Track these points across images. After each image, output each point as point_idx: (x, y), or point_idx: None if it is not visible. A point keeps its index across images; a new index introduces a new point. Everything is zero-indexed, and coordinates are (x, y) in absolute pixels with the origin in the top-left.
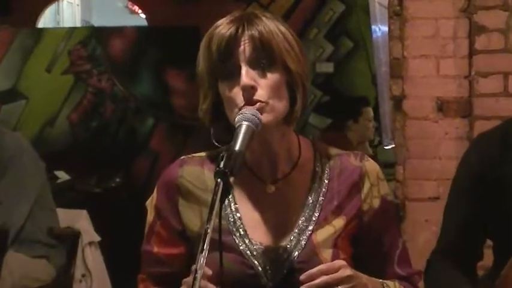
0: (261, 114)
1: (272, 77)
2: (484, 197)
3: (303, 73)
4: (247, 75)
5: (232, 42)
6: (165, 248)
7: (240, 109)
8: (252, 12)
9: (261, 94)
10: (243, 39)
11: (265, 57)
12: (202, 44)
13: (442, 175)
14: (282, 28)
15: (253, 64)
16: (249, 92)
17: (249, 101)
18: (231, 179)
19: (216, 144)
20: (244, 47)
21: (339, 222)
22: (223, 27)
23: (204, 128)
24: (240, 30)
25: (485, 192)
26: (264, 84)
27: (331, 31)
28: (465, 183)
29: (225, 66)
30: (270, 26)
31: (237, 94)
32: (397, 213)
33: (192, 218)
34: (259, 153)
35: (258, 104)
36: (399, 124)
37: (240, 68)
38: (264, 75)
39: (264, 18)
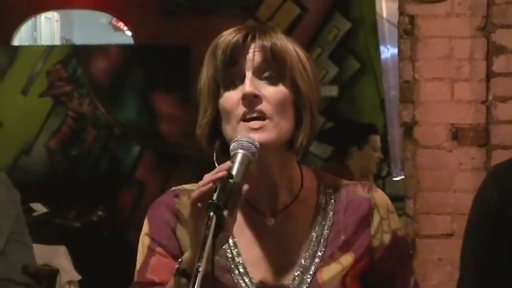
0: (262, 131)
1: (279, 91)
2: (506, 238)
3: (313, 97)
4: (251, 83)
5: (239, 49)
6: (166, 275)
7: (238, 121)
8: (267, 24)
9: (265, 107)
10: (252, 46)
11: (274, 69)
12: (207, 52)
13: (457, 210)
14: (296, 47)
15: (260, 74)
16: (252, 101)
17: (251, 111)
18: (225, 213)
19: (217, 166)
20: (254, 55)
21: (347, 260)
22: (230, 33)
23: (194, 157)
24: (249, 38)
25: (506, 232)
26: (270, 97)
27: (335, 51)
28: (482, 222)
29: (229, 74)
30: (286, 42)
31: (237, 105)
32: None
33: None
34: (257, 182)
35: (260, 123)
36: (410, 153)
37: (244, 77)
38: (270, 87)
39: (280, 34)
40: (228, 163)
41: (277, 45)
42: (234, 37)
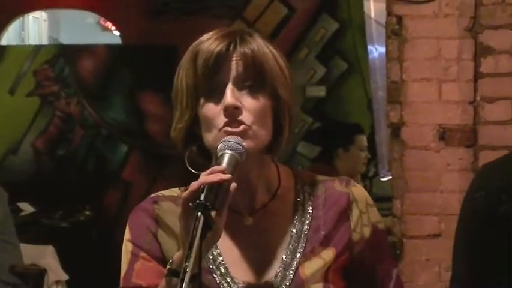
0: (243, 139)
1: (259, 101)
2: (495, 237)
3: (291, 101)
4: (232, 94)
5: (222, 58)
6: (152, 279)
7: (219, 130)
8: (244, 29)
9: (246, 117)
10: (234, 55)
11: (255, 78)
12: (186, 58)
13: (444, 210)
14: (274, 50)
15: (240, 84)
16: (233, 112)
17: (232, 122)
18: (213, 213)
19: (191, 169)
20: (236, 65)
21: (328, 254)
22: (212, 41)
23: (181, 158)
24: (231, 47)
25: (495, 232)
26: (250, 107)
27: (323, 51)
28: (472, 222)
29: (210, 83)
30: (263, 46)
31: (219, 114)
32: (394, 253)
33: (173, 250)
34: (236, 183)
35: (242, 126)
36: (397, 154)
37: (225, 86)
38: (250, 98)
39: (257, 38)
40: (222, 166)
41: (257, 53)
42: (216, 46)
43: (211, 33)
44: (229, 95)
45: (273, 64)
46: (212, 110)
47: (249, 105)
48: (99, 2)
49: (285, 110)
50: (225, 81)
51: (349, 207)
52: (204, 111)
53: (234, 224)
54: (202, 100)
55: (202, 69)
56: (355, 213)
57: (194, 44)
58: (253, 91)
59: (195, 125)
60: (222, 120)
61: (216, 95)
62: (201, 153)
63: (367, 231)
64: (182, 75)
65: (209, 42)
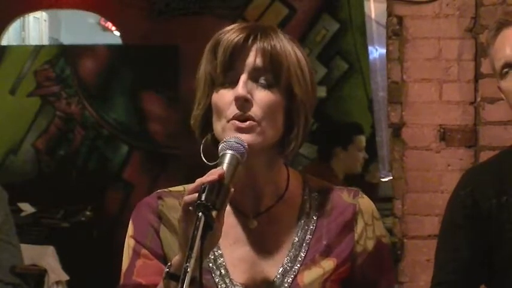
0: (249, 133)
1: (272, 96)
2: (479, 233)
3: (308, 102)
4: (244, 85)
5: (239, 49)
6: (152, 276)
7: (228, 121)
8: (270, 25)
9: (255, 111)
10: (253, 48)
11: (271, 73)
12: (207, 47)
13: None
14: (298, 52)
15: (256, 77)
16: (242, 104)
17: (241, 115)
18: (214, 214)
19: (204, 159)
20: (252, 58)
21: (328, 264)
22: (233, 32)
23: (183, 157)
24: (251, 39)
25: (479, 227)
26: (261, 101)
27: (323, 52)
28: (457, 217)
29: (226, 73)
30: (286, 45)
31: (228, 105)
32: (395, 253)
33: (174, 248)
34: (242, 183)
35: (248, 122)
36: (398, 154)
37: (240, 77)
38: (263, 92)
39: (281, 35)
40: (220, 168)
41: (276, 49)
42: (236, 37)
43: (234, 24)
44: (241, 86)
45: (293, 62)
46: (224, 100)
47: (261, 99)
48: (100, 2)
49: (300, 109)
50: (241, 72)
51: (354, 219)
52: (216, 100)
53: (238, 225)
54: (215, 89)
55: (220, 59)
56: (360, 224)
57: (217, 33)
58: (267, 86)
59: (210, 114)
60: (232, 111)
61: (230, 86)
62: (214, 143)
63: (370, 244)
64: (203, 63)
65: (230, 33)
